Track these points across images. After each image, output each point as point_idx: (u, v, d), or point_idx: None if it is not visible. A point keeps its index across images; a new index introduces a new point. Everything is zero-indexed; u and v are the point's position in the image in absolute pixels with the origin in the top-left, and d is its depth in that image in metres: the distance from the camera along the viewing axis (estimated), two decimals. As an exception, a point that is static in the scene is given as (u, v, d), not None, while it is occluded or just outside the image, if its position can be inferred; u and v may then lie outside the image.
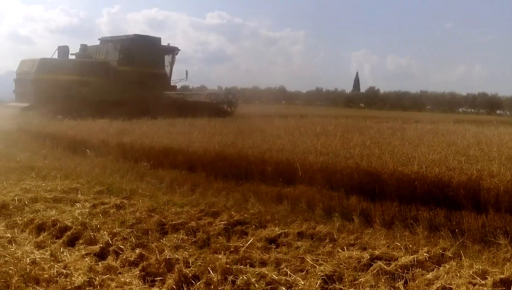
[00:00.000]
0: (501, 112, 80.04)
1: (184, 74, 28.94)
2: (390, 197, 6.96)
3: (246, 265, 4.74)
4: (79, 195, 7.72)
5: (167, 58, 27.58)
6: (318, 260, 4.81)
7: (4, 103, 26.04)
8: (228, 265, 4.61)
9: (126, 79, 24.64)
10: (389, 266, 4.56)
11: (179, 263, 4.71)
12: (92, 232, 5.81)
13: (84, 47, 26.39)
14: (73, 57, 26.13)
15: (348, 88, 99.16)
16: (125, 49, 25.18)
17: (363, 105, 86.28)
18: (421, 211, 6.29)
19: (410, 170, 7.17)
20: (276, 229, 5.82)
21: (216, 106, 27.08)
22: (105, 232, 5.74)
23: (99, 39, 26.87)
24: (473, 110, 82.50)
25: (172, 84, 28.22)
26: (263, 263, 4.81)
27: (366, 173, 7.50)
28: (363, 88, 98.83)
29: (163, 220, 6.18)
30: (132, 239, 5.49)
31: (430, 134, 13.18)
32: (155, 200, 7.23)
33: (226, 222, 6.07)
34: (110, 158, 11.20)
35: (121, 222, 6.12)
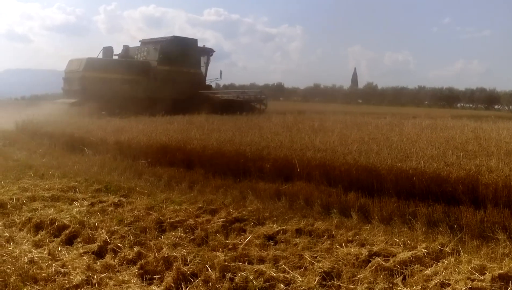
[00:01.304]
0: (499, 107, 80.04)
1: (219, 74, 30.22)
2: (389, 193, 6.96)
3: (245, 263, 4.73)
4: (77, 194, 7.71)
5: (203, 59, 28.86)
6: (316, 257, 4.81)
7: (52, 100, 28.37)
8: (226, 263, 4.61)
9: (165, 78, 26.03)
10: (388, 262, 4.56)
11: (177, 261, 4.71)
12: (90, 230, 5.80)
13: (126, 48, 27.83)
14: (116, 57, 27.49)
15: (346, 84, 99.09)
16: (164, 50, 26.44)
17: (361, 101, 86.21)
18: (420, 207, 6.28)
19: (408, 166, 7.16)
20: (274, 226, 5.82)
21: (248, 104, 27.77)
22: (103, 231, 5.73)
23: (140, 41, 28.50)
24: (471, 105, 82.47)
25: (207, 83, 29.58)
26: (262, 260, 4.81)
27: (364, 169, 7.49)
28: (361, 84, 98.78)
29: (161, 218, 6.17)
30: (130, 237, 5.49)
31: (428, 130, 13.16)
32: (153, 198, 7.22)
33: (224, 219, 6.07)
34: (108, 156, 11.18)
35: (119, 220, 6.12)
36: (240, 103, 27.23)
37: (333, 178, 7.71)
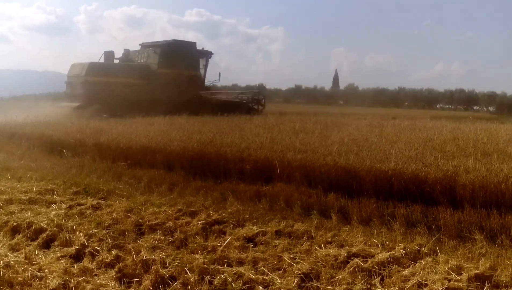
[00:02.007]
0: (478, 108, 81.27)
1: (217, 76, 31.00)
2: (368, 194, 7.00)
3: (224, 265, 4.71)
4: (55, 196, 7.60)
5: (202, 61, 29.38)
6: (295, 259, 4.81)
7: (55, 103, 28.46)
8: (205, 265, 4.59)
9: (165, 80, 26.45)
10: (366, 263, 4.58)
11: (155, 264, 4.67)
12: (68, 233, 5.72)
13: (127, 52, 28.51)
14: (117, 60, 28.10)
15: (327, 85, 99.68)
16: (164, 53, 27.15)
17: (342, 102, 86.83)
18: (398, 208, 6.33)
19: (387, 167, 7.22)
20: (254, 228, 5.81)
21: (247, 105, 28.40)
22: (81, 234, 5.66)
23: (140, 44, 29.10)
24: (450, 106, 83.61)
25: (206, 85, 30.15)
26: (241, 263, 4.79)
27: (344, 170, 7.53)
28: (342, 85, 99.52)
29: (140, 220, 6.12)
30: (108, 240, 5.43)
31: (407, 131, 13.28)
32: (132, 201, 7.16)
33: (204, 221, 6.04)
34: (87, 158, 11.06)
35: (97, 223, 6.05)
36: (238, 104, 27.84)
37: (313, 179, 7.73)
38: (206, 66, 29.73)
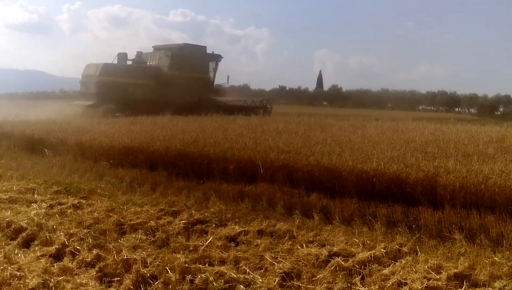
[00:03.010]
0: (459, 109, 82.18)
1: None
2: (350, 194, 7.04)
3: (205, 264, 4.72)
4: (36, 196, 7.53)
5: (211, 64, 29.98)
6: (277, 258, 4.83)
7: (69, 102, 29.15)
8: (186, 265, 4.58)
9: (175, 82, 27.03)
10: (347, 262, 4.62)
11: (137, 263, 4.65)
12: (48, 233, 5.68)
13: (139, 54, 29.25)
14: (129, 62, 28.82)
15: (311, 86, 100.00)
16: (175, 56, 27.82)
17: (326, 103, 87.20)
18: (380, 208, 6.37)
19: (369, 167, 7.26)
20: (236, 227, 5.82)
21: (253, 110, 28.70)
22: (62, 233, 5.62)
23: (152, 47, 29.86)
24: (432, 108, 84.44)
25: (215, 88, 30.78)
26: (222, 262, 4.80)
27: (327, 170, 7.56)
28: (326, 87, 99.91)
29: (122, 220, 6.09)
30: (89, 240, 5.40)
31: (389, 132, 13.37)
32: (114, 200, 7.12)
33: (186, 221, 6.03)
34: (68, 157, 10.96)
35: (78, 223, 6.01)
36: (245, 108, 28.40)
37: (296, 179, 7.76)
38: (215, 69, 30.33)
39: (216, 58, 30.11)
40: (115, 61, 27.86)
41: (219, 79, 31.00)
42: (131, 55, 29.15)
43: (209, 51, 29.94)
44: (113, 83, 25.62)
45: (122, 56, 28.31)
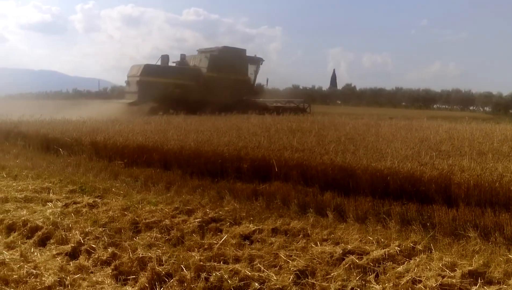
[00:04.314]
0: (474, 108, 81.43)
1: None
2: (364, 192, 7.04)
3: (220, 262, 4.73)
4: (51, 195, 7.60)
5: (252, 67, 31.68)
6: (291, 256, 4.83)
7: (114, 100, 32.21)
8: (201, 262, 4.60)
9: (213, 83, 28.90)
10: (361, 260, 4.61)
11: (152, 261, 4.68)
12: (64, 231, 5.73)
13: (183, 56, 31.46)
14: (174, 64, 30.96)
15: (325, 85, 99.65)
16: (213, 58, 29.59)
17: (339, 102, 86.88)
18: (394, 206, 6.36)
19: (383, 166, 7.26)
20: (251, 225, 5.83)
21: (292, 111, 29.56)
22: (77, 232, 5.66)
23: (197, 50, 31.82)
24: (447, 107, 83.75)
25: (256, 89, 32.84)
26: (237, 260, 4.81)
27: (341, 169, 7.57)
28: (340, 85, 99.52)
29: (137, 218, 6.13)
30: (104, 238, 5.43)
31: (403, 130, 13.33)
32: (129, 199, 7.17)
33: (200, 219, 6.05)
34: (83, 156, 11.07)
35: (93, 221, 6.05)
36: (283, 110, 29.01)
37: (310, 178, 7.77)
38: (256, 71, 31.87)
39: (257, 61, 31.85)
40: (159, 63, 29.66)
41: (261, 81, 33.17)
42: (175, 56, 31.23)
43: (251, 54, 31.63)
44: (153, 82, 27.36)
45: (165, 58, 30.17)
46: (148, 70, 28.04)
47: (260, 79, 33.37)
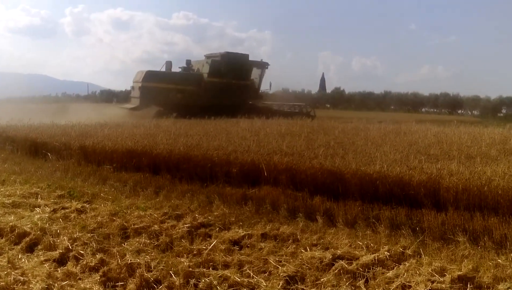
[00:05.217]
0: (462, 111, 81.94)
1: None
2: (353, 197, 7.04)
3: (209, 268, 4.71)
4: (39, 200, 7.53)
5: (257, 71, 31.79)
6: (281, 261, 4.82)
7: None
8: (190, 268, 4.58)
9: (215, 88, 29.21)
10: (351, 265, 4.61)
11: (140, 268, 4.65)
12: (52, 237, 5.67)
13: (188, 62, 31.69)
14: (179, 69, 31.32)
15: (315, 88, 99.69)
16: (214, 63, 29.89)
17: (328, 105, 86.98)
18: (383, 210, 6.38)
19: (372, 170, 7.26)
20: (240, 231, 5.81)
21: (296, 115, 29.76)
22: (65, 237, 5.61)
23: (204, 55, 31.93)
24: (435, 110, 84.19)
25: (260, 94, 32.81)
26: (226, 266, 4.79)
27: (330, 173, 7.57)
28: (329, 89, 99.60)
29: (125, 224, 6.09)
30: (93, 244, 5.39)
31: (392, 134, 13.38)
32: (117, 204, 7.12)
33: (189, 225, 6.02)
34: (72, 161, 10.99)
35: (82, 227, 6.01)
36: (286, 114, 29.29)
37: (299, 182, 7.76)
38: (261, 76, 31.94)
39: (262, 65, 31.87)
40: (163, 69, 30.13)
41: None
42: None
43: (258, 59, 31.80)
44: (155, 88, 27.91)
45: (168, 64, 30.68)
46: (150, 76, 28.58)
47: (266, 84, 33.50)
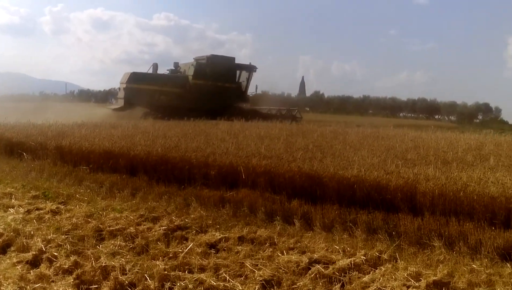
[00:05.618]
0: (439, 117, 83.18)
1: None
2: (331, 200, 7.06)
3: (185, 271, 4.67)
4: (13, 201, 7.40)
5: (244, 74, 32.06)
6: (257, 265, 4.80)
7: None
8: (166, 272, 4.53)
9: (199, 90, 29.55)
10: (327, 269, 4.61)
11: (115, 271, 4.59)
12: (25, 239, 5.57)
13: (176, 64, 32.48)
14: (167, 72, 32.09)
15: (294, 92, 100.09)
16: (199, 65, 30.29)
17: (308, 108, 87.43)
18: (360, 214, 6.39)
19: (350, 174, 7.29)
20: (217, 234, 5.78)
21: (281, 118, 29.90)
22: (39, 239, 5.52)
23: (193, 58, 32.17)
24: (413, 115, 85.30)
25: (247, 97, 32.95)
26: (202, 269, 4.75)
27: (308, 176, 7.57)
28: (308, 92, 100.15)
29: (101, 226, 6.01)
30: (67, 246, 5.31)
31: (370, 138, 13.47)
32: (93, 205, 7.03)
33: (166, 227, 5.98)
34: (47, 161, 10.81)
35: (56, 228, 5.92)
36: (273, 116, 29.48)
37: (277, 185, 7.75)
38: (248, 79, 32.14)
39: (249, 68, 32.08)
40: (150, 71, 30.56)
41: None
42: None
43: (246, 62, 32.28)
44: (139, 89, 28.27)
45: (155, 66, 31.12)
46: (135, 77, 28.90)
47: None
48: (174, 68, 32.32)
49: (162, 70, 32.25)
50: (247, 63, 32.64)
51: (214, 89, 29.87)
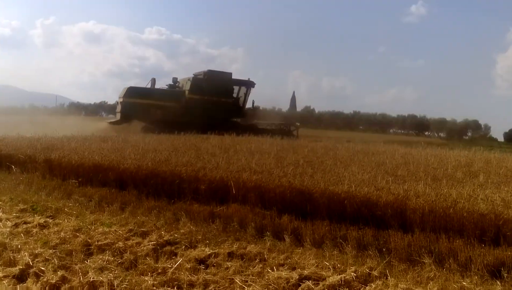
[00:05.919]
0: (429, 133, 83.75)
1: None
2: (321, 216, 7.04)
3: (174, 287, 4.63)
4: (1, 214, 7.32)
5: (242, 90, 32.53)
6: (247, 281, 4.77)
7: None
8: (154, 288, 4.50)
9: (196, 105, 29.82)
10: (317, 286, 4.59)
11: (103, 286, 4.54)
12: (12, 253, 5.51)
13: (174, 80, 32.72)
14: (166, 87, 32.42)
15: (285, 106, 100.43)
16: (196, 81, 30.80)
17: (299, 124, 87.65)
18: (350, 230, 6.38)
19: (340, 189, 7.29)
20: (207, 249, 5.74)
21: (278, 133, 30.13)
22: (26, 253, 5.45)
23: (193, 74, 32.55)
24: (403, 131, 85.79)
25: (245, 112, 33.31)
26: (191, 285, 4.71)
27: (298, 192, 7.56)
28: (299, 107, 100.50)
29: (89, 240, 5.95)
30: (54, 261, 5.24)
31: (361, 154, 13.51)
32: (81, 219, 6.96)
33: (155, 242, 5.92)
34: (36, 174, 10.72)
35: (43, 243, 5.85)
36: (270, 131, 29.53)
37: (268, 200, 7.73)
38: (246, 94, 32.60)
39: (248, 84, 32.50)
40: (149, 85, 31.30)
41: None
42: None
43: (244, 78, 32.52)
44: (135, 104, 28.86)
45: (153, 81, 31.87)
46: (131, 91, 29.54)
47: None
48: (173, 83, 32.58)
49: (161, 84, 33.03)
50: (244, 78, 32.94)
51: (210, 104, 30.10)
